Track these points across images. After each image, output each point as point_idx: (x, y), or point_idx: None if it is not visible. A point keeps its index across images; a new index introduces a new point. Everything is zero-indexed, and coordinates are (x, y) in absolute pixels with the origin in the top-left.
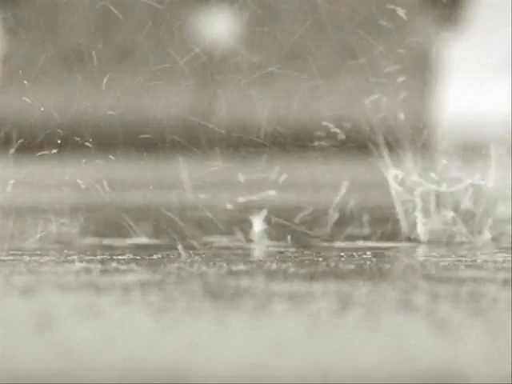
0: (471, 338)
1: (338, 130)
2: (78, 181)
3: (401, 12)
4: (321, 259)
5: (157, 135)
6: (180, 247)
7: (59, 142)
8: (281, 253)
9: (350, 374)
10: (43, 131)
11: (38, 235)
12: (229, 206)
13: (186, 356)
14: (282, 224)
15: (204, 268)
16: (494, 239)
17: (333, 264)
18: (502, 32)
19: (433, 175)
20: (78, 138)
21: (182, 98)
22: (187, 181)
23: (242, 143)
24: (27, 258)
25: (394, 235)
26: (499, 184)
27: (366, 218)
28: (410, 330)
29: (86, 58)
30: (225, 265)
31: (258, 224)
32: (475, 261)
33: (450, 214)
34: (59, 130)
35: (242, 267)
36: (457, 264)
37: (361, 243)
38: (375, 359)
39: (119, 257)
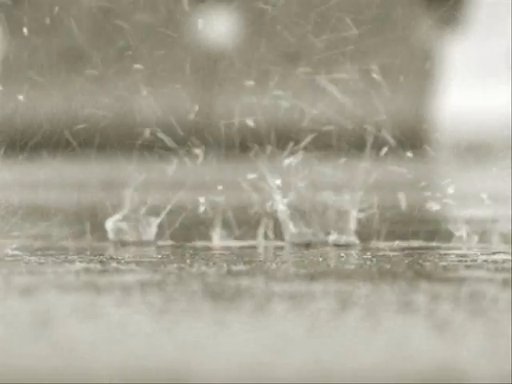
0: (471, 338)
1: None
2: (75, 180)
3: (402, 14)
4: (321, 259)
5: (156, 134)
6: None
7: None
8: (281, 248)
9: (350, 374)
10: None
11: (38, 235)
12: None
13: (186, 356)
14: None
15: (204, 268)
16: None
17: (333, 264)
18: (502, 33)
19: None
20: (65, 137)
21: (182, 97)
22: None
23: (241, 144)
24: (27, 258)
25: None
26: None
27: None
28: (410, 330)
29: (87, 58)
30: (225, 265)
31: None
32: (475, 261)
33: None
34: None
35: (241, 267)
36: (457, 264)
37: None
38: (375, 359)
39: (119, 257)
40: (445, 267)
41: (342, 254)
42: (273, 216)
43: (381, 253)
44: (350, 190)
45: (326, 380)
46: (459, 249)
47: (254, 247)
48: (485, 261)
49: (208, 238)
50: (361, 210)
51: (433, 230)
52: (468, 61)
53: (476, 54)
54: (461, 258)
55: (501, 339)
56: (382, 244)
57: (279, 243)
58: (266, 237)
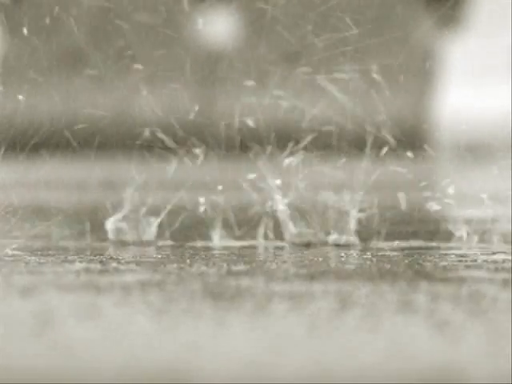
0: (471, 338)
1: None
2: (73, 181)
3: (402, 14)
4: (321, 259)
5: (156, 134)
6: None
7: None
8: (280, 249)
9: (350, 374)
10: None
11: (38, 235)
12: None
13: (186, 356)
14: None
15: (204, 268)
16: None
17: (333, 264)
18: (502, 33)
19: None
20: (65, 137)
21: (183, 97)
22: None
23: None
24: (27, 258)
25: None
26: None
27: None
28: (410, 330)
29: (87, 58)
30: (225, 265)
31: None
32: (475, 261)
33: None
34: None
35: (241, 267)
36: (457, 264)
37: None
38: (375, 359)
39: (119, 257)
40: (445, 267)
41: (342, 254)
42: (273, 216)
43: (381, 253)
44: (350, 190)
45: (326, 380)
46: (459, 249)
47: (254, 247)
48: (485, 261)
49: (208, 237)
50: (361, 210)
51: (433, 230)
52: (468, 60)
53: (476, 53)
54: (461, 258)
55: (501, 339)
56: (381, 244)
57: (279, 243)
58: (266, 237)
